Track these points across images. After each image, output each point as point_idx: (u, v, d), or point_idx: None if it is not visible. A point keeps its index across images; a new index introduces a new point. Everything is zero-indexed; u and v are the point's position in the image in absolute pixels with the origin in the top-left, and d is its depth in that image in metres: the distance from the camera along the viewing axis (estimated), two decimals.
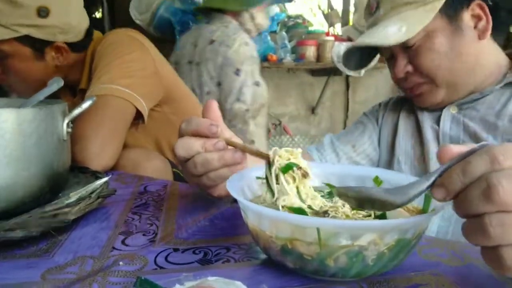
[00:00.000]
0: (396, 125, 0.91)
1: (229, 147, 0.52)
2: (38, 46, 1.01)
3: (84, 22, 1.09)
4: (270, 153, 0.48)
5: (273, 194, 0.47)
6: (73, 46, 1.07)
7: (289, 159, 0.47)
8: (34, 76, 1.05)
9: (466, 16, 0.75)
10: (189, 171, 0.53)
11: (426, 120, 0.85)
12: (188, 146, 0.52)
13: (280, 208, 0.45)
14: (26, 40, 0.99)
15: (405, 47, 0.78)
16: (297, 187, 0.47)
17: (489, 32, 0.75)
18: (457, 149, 0.35)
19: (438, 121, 0.83)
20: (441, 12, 0.74)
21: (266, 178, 0.48)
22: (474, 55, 0.77)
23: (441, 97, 0.80)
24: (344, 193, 0.40)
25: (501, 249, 0.31)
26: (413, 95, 0.83)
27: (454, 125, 0.81)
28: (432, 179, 0.35)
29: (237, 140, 0.55)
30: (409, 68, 0.79)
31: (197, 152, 0.51)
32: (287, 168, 0.46)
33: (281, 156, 0.47)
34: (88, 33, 1.11)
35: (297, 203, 0.45)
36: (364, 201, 0.39)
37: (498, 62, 0.80)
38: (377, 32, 0.77)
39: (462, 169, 0.33)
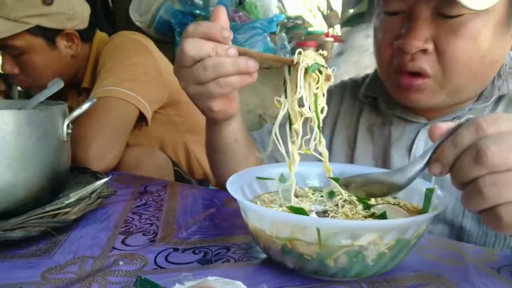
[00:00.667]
0: (354, 139, 0.74)
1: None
2: (49, 35, 1.03)
3: (86, 9, 1.11)
4: (294, 56, 0.47)
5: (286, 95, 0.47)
6: (82, 35, 1.10)
7: (315, 59, 0.47)
8: (52, 68, 1.07)
9: None
10: (196, 76, 0.48)
11: (395, 141, 0.67)
12: (200, 46, 0.47)
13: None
14: (37, 30, 1.01)
15: (440, 14, 0.55)
16: (315, 95, 0.48)
17: None
18: (446, 125, 0.37)
19: (410, 145, 0.66)
20: None
21: (284, 81, 0.48)
22: (503, 59, 0.61)
23: (438, 102, 0.61)
24: (349, 183, 0.42)
25: (498, 208, 0.34)
26: (405, 87, 0.60)
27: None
28: (427, 156, 0.38)
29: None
30: (430, 46, 0.56)
31: (208, 54, 0.47)
32: (314, 67, 0.46)
33: (307, 56, 0.47)
34: (91, 24, 1.13)
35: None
36: (370, 187, 0.41)
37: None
38: None
39: (452, 142, 0.35)
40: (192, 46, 0.47)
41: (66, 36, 1.07)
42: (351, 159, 0.74)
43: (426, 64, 0.57)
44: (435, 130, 0.37)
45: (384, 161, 0.69)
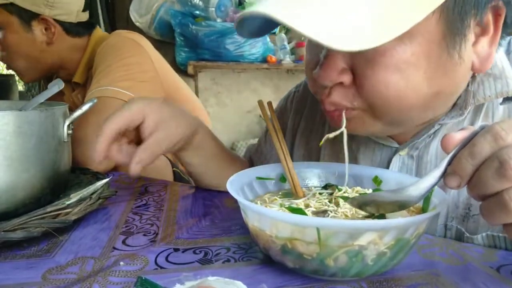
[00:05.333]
0: (317, 153, 0.68)
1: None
2: (24, 16, 1.05)
3: (75, 3, 1.11)
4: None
5: None
6: (67, 28, 1.10)
7: None
8: (26, 49, 1.08)
9: (472, 24, 0.45)
10: None
11: (364, 168, 0.57)
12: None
13: None
14: (12, 8, 1.03)
15: None
16: None
17: (493, 55, 0.47)
18: (460, 135, 0.35)
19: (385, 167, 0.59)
20: (442, 11, 0.42)
21: None
22: (455, 85, 0.49)
23: (376, 130, 0.52)
24: (363, 203, 0.42)
25: None
26: (333, 116, 0.51)
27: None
28: (442, 168, 0.36)
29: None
30: (346, 78, 0.47)
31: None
32: None
33: None
34: (87, 23, 1.14)
35: None
36: (383, 206, 0.40)
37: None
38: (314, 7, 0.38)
39: (469, 153, 0.33)
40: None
41: (44, 23, 1.07)
42: None
43: (344, 99, 0.48)
44: (448, 140, 0.35)
45: None
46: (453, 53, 0.45)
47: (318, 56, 0.49)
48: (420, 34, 0.42)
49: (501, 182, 0.31)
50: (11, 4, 1.02)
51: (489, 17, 0.45)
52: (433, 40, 0.43)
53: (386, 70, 0.44)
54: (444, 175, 0.36)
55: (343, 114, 0.49)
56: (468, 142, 0.34)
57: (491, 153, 0.32)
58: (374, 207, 0.42)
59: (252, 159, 0.84)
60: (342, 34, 0.35)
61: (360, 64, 0.45)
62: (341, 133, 0.50)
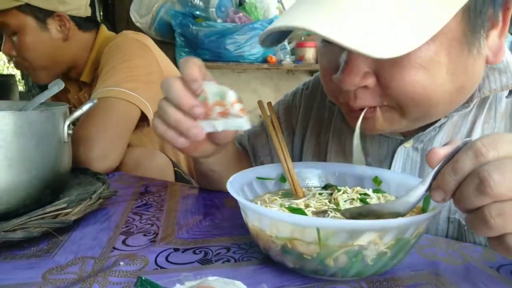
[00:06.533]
0: (325, 149, 0.69)
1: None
2: (40, 15, 1.05)
3: None
4: None
5: None
6: (78, 23, 1.11)
7: None
8: (44, 50, 1.08)
9: (488, 25, 0.47)
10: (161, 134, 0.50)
11: (365, 168, 0.57)
12: (165, 129, 0.49)
13: None
14: (27, 9, 1.03)
15: None
16: None
17: (504, 46, 0.49)
18: (444, 150, 0.36)
19: (388, 163, 0.61)
20: (465, 10, 0.44)
21: None
22: (475, 79, 0.51)
23: (400, 128, 0.53)
24: (355, 214, 0.43)
25: (506, 237, 0.33)
26: (354, 116, 0.52)
27: (407, 169, 0.60)
28: (427, 183, 0.37)
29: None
30: (371, 81, 0.48)
31: (174, 126, 0.49)
32: None
33: None
34: (93, 19, 1.15)
35: None
36: (375, 218, 0.41)
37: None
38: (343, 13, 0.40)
39: (452, 168, 0.34)
40: (160, 127, 0.49)
41: (58, 20, 1.08)
42: None
43: (372, 99, 0.49)
44: (432, 156, 0.36)
45: None
46: (472, 49, 0.47)
47: (336, 60, 0.50)
48: (442, 33, 0.42)
49: (481, 198, 0.32)
50: (26, 4, 1.02)
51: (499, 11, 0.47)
52: (455, 38, 0.45)
53: (411, 70, 0.45)
54: (429, 189, 0.37)
55: (362, 113, 0.51)
56: (452, 157, 0.35)
57: (472, 169, 0.33)
58: (367, 219, 0.42)
59: (254, 147, 0.80)
60: (381, 43, 0.38)
61: (384, 66, 0.46)
62: (350, 130, 0.54)
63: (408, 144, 0.59)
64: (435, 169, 0.36)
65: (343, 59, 0.48)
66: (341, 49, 0.48)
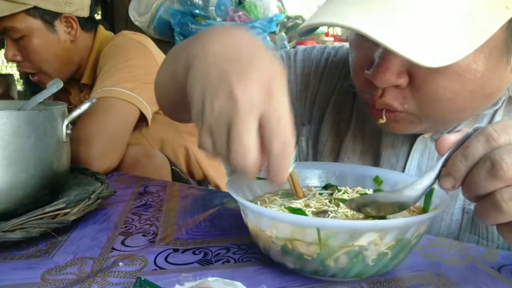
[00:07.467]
0: (345, 133, 0.66)
1: None
2: (48, 18, 1.05)
3: None
4: None
5: None
6: (82, 24, 1.11)
7: None
8: (53, 52, 1.08)
9: None
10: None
11: (386, 148, 0.60)
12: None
13: None
14: (35, 12, 1.03)
15: None
16: None
17: None
18: (453, 137, 0.36)
19: (406, 154, 0.60)
20: (510, 20, 0.43)
21: None
22: (505, 85, 0.51)
23: (419, 130, 0.55)
24: (362, 205, 0.42)
25: None
26: (377, 114, 0.53)
27: (425, 159, 0.59)
28: (437, 170, 0.36)
29: None
30: (404, 81, 0.48)
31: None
32: None
33: None
34: (93, 19, 1.16)
35: None
36: (382, 207, 0.41)
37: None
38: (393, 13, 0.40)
39: (463, 154, 0.34)
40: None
41: (65, 21, 1.08)
42: (336, 155, 0.66)
43: (396, 100, 0.49)
44: (442, 142, 0.36)
45: (372, 165, 0.62)
46: (509, 58, 0.47)
47: (369, 54, 0.49)
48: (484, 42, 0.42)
49: (493, 182, 0.32)
50: (34, 8, 1.02)
51: None
52: (496, 46, 0.45)
53: (447, 75, 0.45)
54: (438, 176, 0.36)
55: (383, 114, 0.51)
56: (462, 144, 0.35)
57: (483, 154, 0.33)
58: (374, 209, 0.42)
59: None
60: (429, 50, 0.39)
61: (420, 68, 0.43)
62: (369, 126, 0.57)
63: (428, 135, 0.59)
64: (445, 156, 0.36)
65: (377, 55, 0.48)
66: (376, 44, 0.45)
